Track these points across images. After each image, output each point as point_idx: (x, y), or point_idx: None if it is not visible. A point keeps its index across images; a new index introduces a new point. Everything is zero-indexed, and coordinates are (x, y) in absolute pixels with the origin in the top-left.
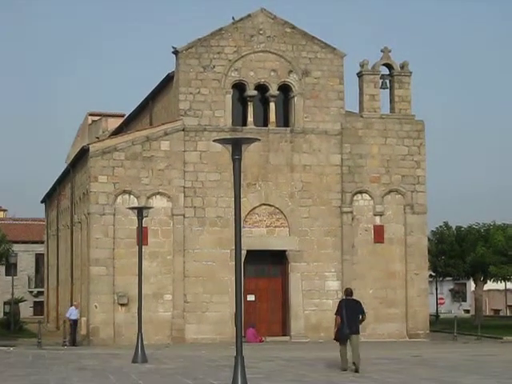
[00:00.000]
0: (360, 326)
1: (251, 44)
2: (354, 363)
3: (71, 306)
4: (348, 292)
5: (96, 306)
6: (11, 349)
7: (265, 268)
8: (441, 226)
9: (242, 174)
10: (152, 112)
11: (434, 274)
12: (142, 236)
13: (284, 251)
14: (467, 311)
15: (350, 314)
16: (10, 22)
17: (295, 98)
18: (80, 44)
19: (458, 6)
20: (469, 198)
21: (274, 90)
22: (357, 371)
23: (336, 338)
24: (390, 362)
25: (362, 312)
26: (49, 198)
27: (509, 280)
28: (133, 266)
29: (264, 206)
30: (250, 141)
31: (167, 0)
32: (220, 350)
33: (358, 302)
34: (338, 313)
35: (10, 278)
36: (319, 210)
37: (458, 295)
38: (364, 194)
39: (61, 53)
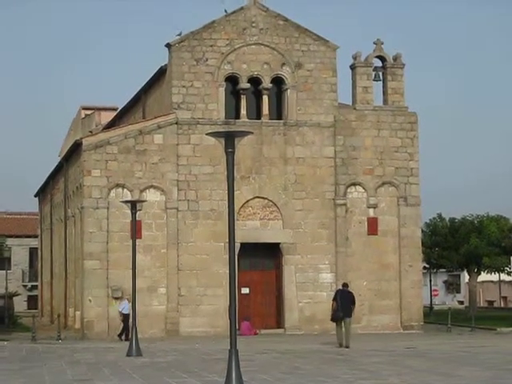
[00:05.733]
0: (353, 312)
1: (244, 37)
2: (345, 340)
3: (124, 299)
4: (344, 284)
5: (90, 300)
6: (5, 343)
7: (259, 261)
8: (434, 218)
9: (235, 167)
10: (145, 105)
11: (427, 265)
12: (135, 229)
13: (278, 244)
14: (461, 302)
15: (343, 301)
16: (2, 16)
17: (288, 91)
18: (73, 38)
19: None
20: (462, 190)
21: (266, 83)
22: (347, 347)
23: (332, 319)
24: (384, 353)
25: (353, 301)
26: (42, 192)
27: (502, 271)
28: (127, 260)
29: (258, 199)
30: (243, 134)
31: None
32: (214, 343)
33: (350, 293)
34: (334, 299)
35: (3, 272)
36: (313, 202)
37: (452, 287)
38: (357, 186)
39: (53, 47)
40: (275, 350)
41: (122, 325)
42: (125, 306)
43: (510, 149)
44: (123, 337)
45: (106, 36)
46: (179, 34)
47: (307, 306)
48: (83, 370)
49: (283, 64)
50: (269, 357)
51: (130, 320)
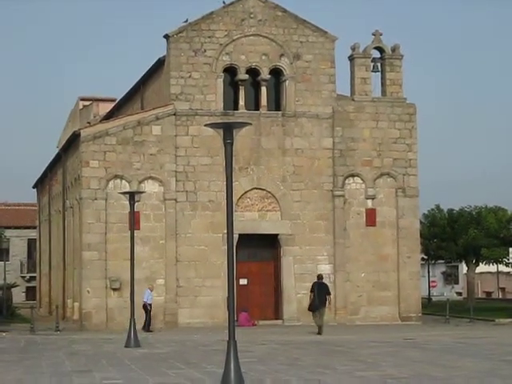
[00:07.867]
0: (328, 302)
1: (242, 28)
2: (319, 327)
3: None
4: (319, 277)
5: (88, 291)
6: (4, 334)
7: (257, 252)
8: (433, 209)
9: (233, 158)
10: (143, 96)
11: (426, 256)
12: (133, 221)
13: (276, 235)
14: (459, 294)
15: (319, 292)
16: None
17: (286, 82)
18: (71, 29)
19: None
20: (461, 181)
21: (265, 74)
22: (319, 333)
23: (309, 309)
24: (382, 345)
25: (328, 292)
26: (41, 183)
27: (501, 262)
28: (125, 251)
29: (256, 190)
30: (241, 125)
31: None
32: (213, 334)
33: (325, 285)
34: (311, 291)
35: (2, 263)
36: (311, 193)
37: (450, 278)
38: (356, 178)
39: (52, 38)
40: (274, 341)
41: (145, 316)
42: (148, 296)
43: (509, 140)
44: (150, 327)
45: (105, 27)
46: (186, 21)
47: (305, 297)
48: (82, 361)
49: (281, 55)
50: (267, 348)
51: (152, 310)
